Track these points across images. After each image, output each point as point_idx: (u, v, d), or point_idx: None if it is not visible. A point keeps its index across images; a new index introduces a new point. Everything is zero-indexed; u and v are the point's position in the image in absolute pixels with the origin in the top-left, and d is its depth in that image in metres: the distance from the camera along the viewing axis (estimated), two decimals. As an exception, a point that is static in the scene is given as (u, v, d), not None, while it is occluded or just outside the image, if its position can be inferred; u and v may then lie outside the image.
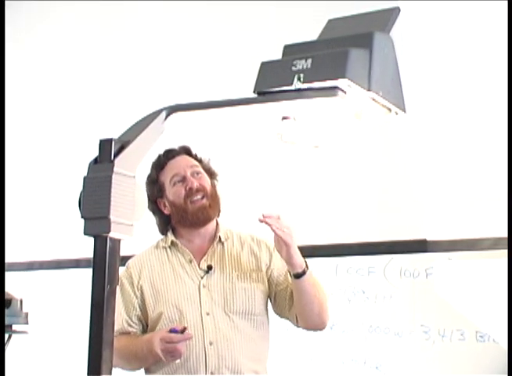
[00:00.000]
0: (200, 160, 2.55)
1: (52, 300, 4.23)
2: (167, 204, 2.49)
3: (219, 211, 2.53)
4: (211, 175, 2.55)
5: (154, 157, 2.52)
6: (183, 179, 2.46)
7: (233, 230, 2.55)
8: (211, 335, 2.34)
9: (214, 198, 2.47)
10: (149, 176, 2.51)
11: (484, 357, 3.13)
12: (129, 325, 2.45)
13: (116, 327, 2.41)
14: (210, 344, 2.33)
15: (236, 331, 2.36)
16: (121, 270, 2.46)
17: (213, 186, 2.51)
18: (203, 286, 2.41)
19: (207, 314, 2.37)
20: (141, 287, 2.45)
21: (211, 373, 2.33)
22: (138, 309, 2.45)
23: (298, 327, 2.46)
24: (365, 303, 3.44)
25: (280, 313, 2.48)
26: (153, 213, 2.51)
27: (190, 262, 2.46)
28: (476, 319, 3.15)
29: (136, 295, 2.46)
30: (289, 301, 2.43)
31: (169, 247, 2.50)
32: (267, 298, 2.47)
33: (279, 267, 2.46)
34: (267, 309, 2.49)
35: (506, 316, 2.84)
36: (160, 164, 2.51)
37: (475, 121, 3.33)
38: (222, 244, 2.48)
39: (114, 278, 1.34)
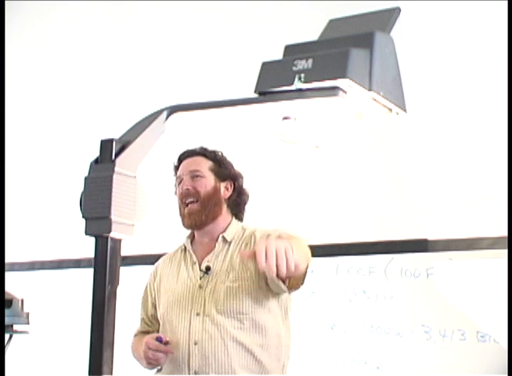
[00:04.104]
0: (216, 161, 2.58)
1: (53, 300, 4.23)
2: None
3: (240, 214, 2.57)
4: (227, 177, 2.57)
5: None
6: (181, 183, 2.54)
7: (248, 228, 2.54)
8: (197, 335, 2.35)
9: (207, 201, 2.49)
10: (174, 174, 2.63)
11: (485, 357, 3.13)
12: (146, 324, 2.56)
13: (137, 327, 2.56)
14: (195, 344, 2.35)
15: (224, 331, 2.36)
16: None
17: (216, 188, 2.52)
18: (200, 287, 2.43)
19: (197, 314, 2.39)
20: (155, 288, 2.56)
21: (195, 372, 2.34)
22: (153, 309, 2.55)
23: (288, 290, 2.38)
24: (366, 303, 3.44)
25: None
26: None
27: (194, 263, 2.50)
28: (477, 320, 3.15)
29: (151, 295, 2.56)
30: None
31: (184, 250, 2.57)
32: (264, 298, 2.40)
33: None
34: (268, 309, 2.41)
35: (506, 316, 2.84)
36: (176, 165, 2.62)
37: (475, 121, 3.33)
38: (229, 244, 2.49)
39: (115, 278, 1.34)
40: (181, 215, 2.52)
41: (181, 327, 2.38)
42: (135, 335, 2.57)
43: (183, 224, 2.52)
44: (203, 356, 2.34)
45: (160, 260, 2.64)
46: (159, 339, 2.31)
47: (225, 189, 2.55)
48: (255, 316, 2.40)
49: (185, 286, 2.45)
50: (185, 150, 2.62)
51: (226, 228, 2.52)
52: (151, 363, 2.34)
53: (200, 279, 2.44)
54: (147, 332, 2.52)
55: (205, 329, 2.36)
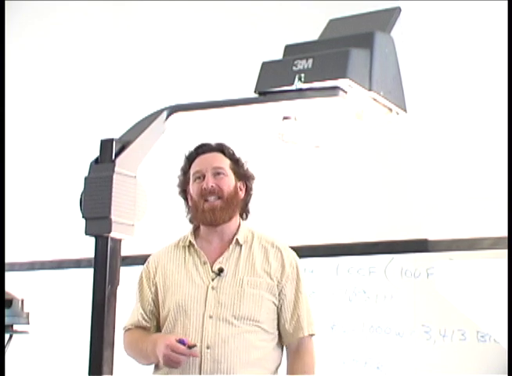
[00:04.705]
0: (234, 160, 2.54)
1: (53, 300, 4.23)
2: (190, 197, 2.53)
3: (246, 214, 2.55)
4: (243, 177, 2.54)
5: (189, 151, 2.56)
6: (202, 178, 2.47)
7: (256, 232, 2.53)
8: (210, 339, 2.33)
9: (230, 201, 2.46)
10: (182, 166, 2.55)
11: (485, 357, 3.13)
12: (143, 319, 2.48)
13: (131, 320, 2.46)
14: (208, 348, 2.32)
15: (237, 337, 2.35)
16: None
17: (237, 188, 2.50)
18: (212, 288, 2.40)
19: (210, 317, 2.36)
20: (156, 283, 2.49)
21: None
22: (152, 305, 2.48)
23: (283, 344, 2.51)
24: (366, 303, 3.44)
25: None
26: (184, 203, 2.57)
27: (204, 263, 2.45)
28: (477, 320, 3.15)
29: (151, 291, 2.49)
30: (283, 326, 2.46)
31: (187, 247, 2.51)
32: (275, 309, 2.45)
33: (289, 295, 2.46)
34: (275, 319, 2.46)
35: (507, 316, 2.84)
36: (191, 157, 2.53)
37: (475, 121, 3.33)
38: (240, 246, 2.47)
39: (115, 278, 1.34)
40: (197, 209, 2.45)
41: (192, 330, 2.35)
42: (128, 329, 2.49)
43: (200, 219, 2.46)
44: (216, 360, 2.31)
45: (158, 254, 2.55)
46: (182, 342, 2.27)
47: (239, 190, 2.52)
48: (267, 323, 2.42)
49: (196, 286, 2.41)
50: (201, 143, 2.55)
51: (237, 230, 2.50)
52: (171, 365, 2.28)
53: (212, 280, 2.41)
54: (143, 327, 2.47)
55: (218, 333, 2.34)
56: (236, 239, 2.47)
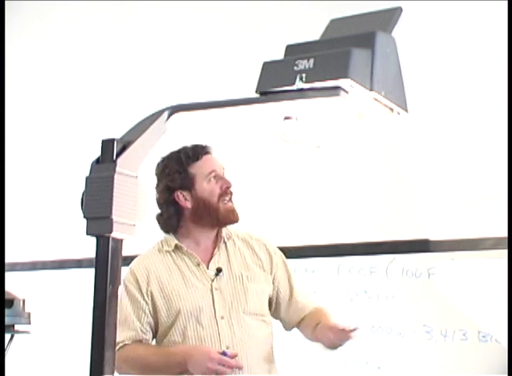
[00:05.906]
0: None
1: (54, 300, 4.23)
2: (188, 197, 2.43)
3: None
4: None
5: (188, 149, 2.48)
6: (217, 177, 2.44)
7: (231, 229, 2.54)
8: (228, 339, 2.34)
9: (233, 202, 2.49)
10: (177, 166, 2.44)
11: (486, 357, 3.13)
12: (142, 332, 2.40)
13: (127, 334, 2.33)
14: (227, 348, 2.34)
15: (250, 333, 2.38)
16: (124, 273, 2.42)
17: None
18: (215, 289, 2.40)
19: (222, 318, 2.37)
20: (151, 293, 2.40)
21: None
22: (149, 316, 2.40)
23: (286, 329, 2.58)
24: (367, 303, 3.44)
25: (273, 314, 2.55)
26: (165, 204, 2.44)
27: (198, 265, 2.44)
28: (478, 320, 3.15)
29: (147, 302, 2.40)
30: (285, 310, 2.52)
31: (173, 251, 2.46)
32: (268, 299, 2.51)
33: (283, 280, 2.52)
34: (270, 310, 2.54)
35: (507, 316, 2.84)
36: (195, 156, 2.45)
37: (476, 121, 3.33)
38: (225, 243, 2.49)
39: (116, 278, 1.34)
40: (210, 209, 2.40)
41: (207, 334, 2.35)
42: (125, 345, 2.35)
43: (219, 219, 2.42)
44: (236, 359, 2.31)
45: (142, 261, 2.46)
46: (224, 355, 2.26)
47: None
48: (268, 316, 2.49)
49: (198, 290, 2.40)
50: (196, 144, 2.49)
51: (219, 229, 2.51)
52: None
53: (212, 281, 2.41)
54: (140, 341, 2.39)
55: (234, 333, 2.36)
56: (222, 237, 2.47)
